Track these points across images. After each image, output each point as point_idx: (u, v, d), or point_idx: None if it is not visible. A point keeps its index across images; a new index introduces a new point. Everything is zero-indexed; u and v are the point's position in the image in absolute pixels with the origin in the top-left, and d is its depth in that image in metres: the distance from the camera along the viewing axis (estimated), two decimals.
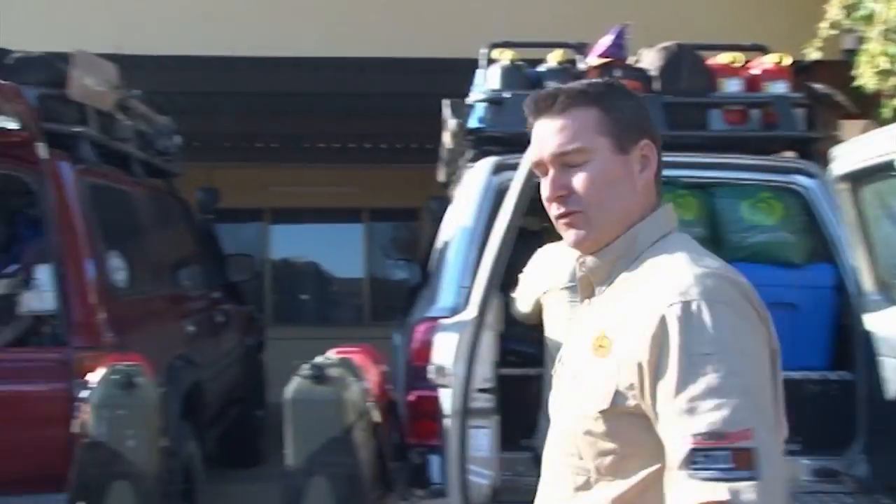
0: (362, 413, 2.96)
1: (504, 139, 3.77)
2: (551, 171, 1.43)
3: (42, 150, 3.65)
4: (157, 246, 5.02)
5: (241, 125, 9.75)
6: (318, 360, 3.05)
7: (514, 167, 3.32)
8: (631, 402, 1.30)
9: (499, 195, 3.51)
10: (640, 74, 3.88)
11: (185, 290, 5.36)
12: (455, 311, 3.39)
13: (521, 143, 3.50)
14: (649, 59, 3.92)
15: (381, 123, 9.49)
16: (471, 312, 3.23)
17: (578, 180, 1.40)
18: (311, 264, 11.75)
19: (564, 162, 1.41)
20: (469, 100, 4.02)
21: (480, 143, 3.93)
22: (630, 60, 4.03)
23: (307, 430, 2.88)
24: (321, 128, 9.94)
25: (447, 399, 3.19)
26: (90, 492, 2.85)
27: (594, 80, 1.52)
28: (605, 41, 3.94)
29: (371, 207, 11.07)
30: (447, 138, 4.80)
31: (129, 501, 2.86)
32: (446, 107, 4.58)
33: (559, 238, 1.49)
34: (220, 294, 6.14)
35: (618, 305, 1.38)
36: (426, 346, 3.35)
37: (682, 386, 1.25)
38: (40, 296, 3.85)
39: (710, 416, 1.22)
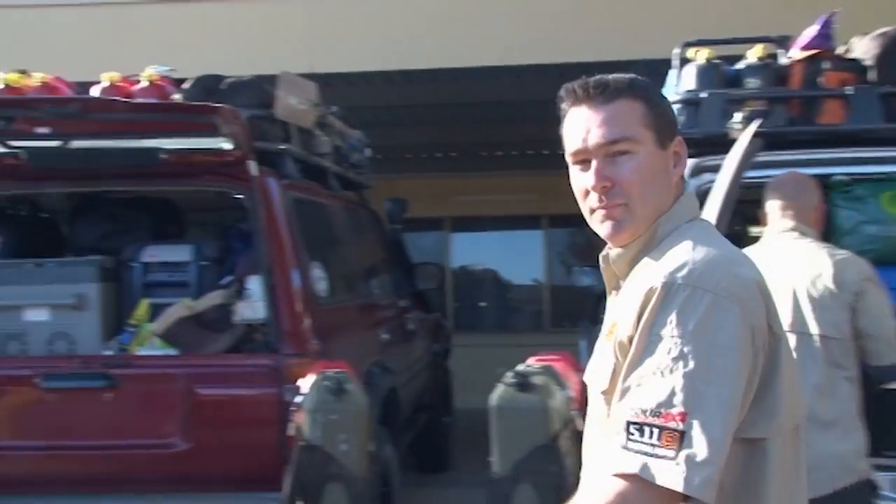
0: (567, 421, 2.93)
1: (701, 140, 3.63)
2: (595, 162, 1.40)
3: (253, 167, 3.87)
4: (353, 256, 5.21)
5: (421, 136, 9.99)
6: (521, 367, 3.05)
7: (714, 169, 3.20)
8: None
9: (698, 198, 3.39)
10: (852, 65, 3.63)
11: (378, 299, 5.53)
12: None
13: (720, 143, 3.39)
14: (863, 48, 3.67)
15: (559, 129, 9.46)
16: None
17: (625, 172, 1.39)
18: (489, 271, 11.83)
19: (610, 152, 1.39)
20: None
21: None
22: (839, 51, 3.79)
23: (513, 438, 2.89)
24: (499, 136, 10.02)
25: None
26: (307, 492, 2.98)
27: (634, 75, 1.47)
28: (810, 32, 3.72)
29: (550, 214, 11.02)
30: None
31: (342, 503, 2.97)
32: None
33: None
34: (409, 302, 6.29)
35: (627, 291, 1.42)
36: None
37: (637, 362, 1.30)
38: (252, 305, 4.07)
39: (651, 393, 1.26)
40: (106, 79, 4.15)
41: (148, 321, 4.20)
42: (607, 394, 1.37)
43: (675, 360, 1.26)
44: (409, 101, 8.63)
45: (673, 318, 1.28)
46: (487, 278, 11.83)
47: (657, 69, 4.21)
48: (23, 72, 4.14)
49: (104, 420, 3.92)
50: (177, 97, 4.13)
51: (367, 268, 5.58)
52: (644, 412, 1.26)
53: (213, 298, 4.14)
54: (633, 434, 1.26)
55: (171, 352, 4.08)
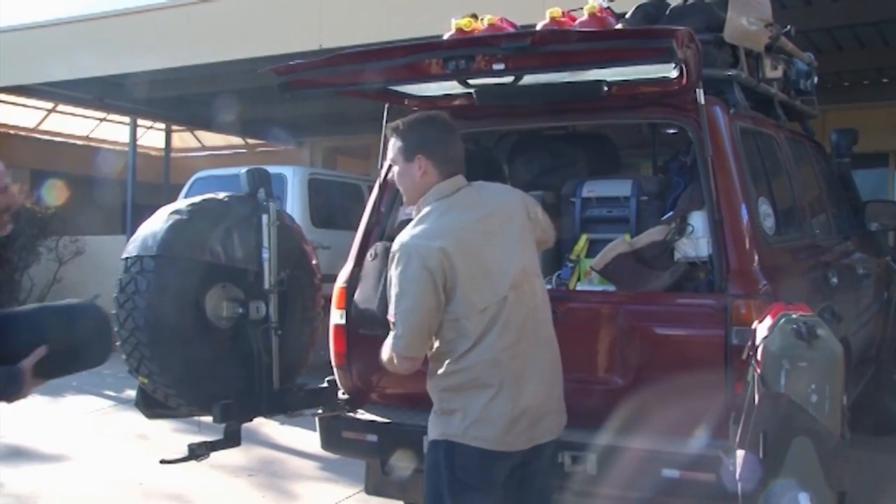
0: None
1: None
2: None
3: (700, 96, 3.63)
4: (799, 192, 4.76)
5: (865, 60, 8.89)
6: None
7: None
8: None
9: None
10: None
11: (825, 239, 5.03)
12: None
13: None
14: None
15: None
16: None
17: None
18: None
19: None
20: None
21: None
22: None
23: None
24: None
25: None
26: (768, 443, 2.74)
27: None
28: None
29: None
30: None
31: (810, 458, 2.69)
32: None
33: None
34: (857, 243, 5.66)
35: None
36: None
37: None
38: (695, 242, 3.87)
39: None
40: (548, 14, 4.16)
41: (586, 256, 4.20)
42: None
43: (397, 299, 2.80)
44: (854, 21, 7.69)
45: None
46: None
47: None
48: (473, 16, 4.29)
49: None
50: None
51: (815, 205, 5.09)
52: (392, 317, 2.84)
53: (654, 235, 3.98)
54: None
55: (610, 288, 4.03)
